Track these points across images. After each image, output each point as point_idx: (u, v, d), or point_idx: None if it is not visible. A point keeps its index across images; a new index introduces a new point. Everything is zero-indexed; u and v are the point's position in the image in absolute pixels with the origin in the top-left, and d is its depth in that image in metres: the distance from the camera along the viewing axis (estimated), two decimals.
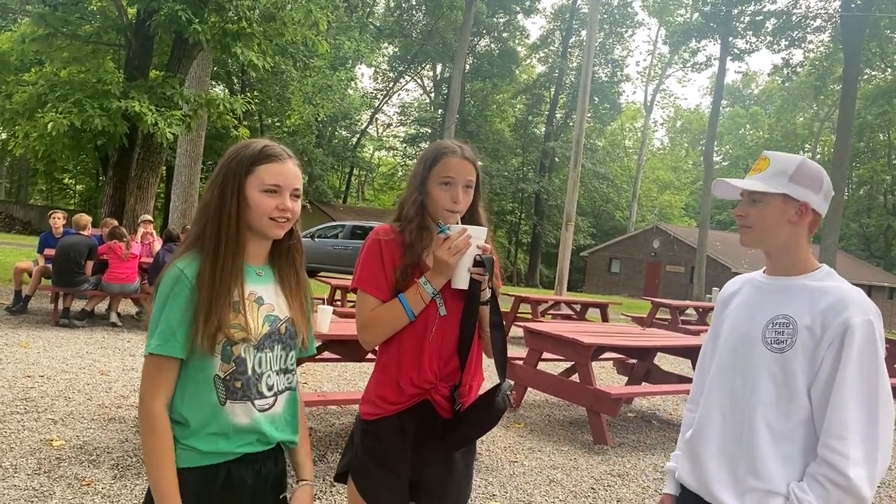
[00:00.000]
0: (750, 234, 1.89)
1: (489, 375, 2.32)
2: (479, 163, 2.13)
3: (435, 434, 2.05)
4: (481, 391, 2.13)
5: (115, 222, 10.20)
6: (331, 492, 4.16)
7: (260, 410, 1.71)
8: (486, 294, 2.07)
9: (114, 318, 9.37)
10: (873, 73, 38.57)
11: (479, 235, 2.02)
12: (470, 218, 2.12)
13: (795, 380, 1.76)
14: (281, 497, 1.81)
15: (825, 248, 29.30)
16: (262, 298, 1.74)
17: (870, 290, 40.85)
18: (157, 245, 10.59)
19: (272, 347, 1.73)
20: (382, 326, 2.03)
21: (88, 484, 3.91)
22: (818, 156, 52.76)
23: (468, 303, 2.04)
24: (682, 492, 2.01)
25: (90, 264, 9.06)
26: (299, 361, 1.89)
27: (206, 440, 1.65)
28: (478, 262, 2.01)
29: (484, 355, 2.19)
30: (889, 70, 38.65)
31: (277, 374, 1.75)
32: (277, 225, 1.71)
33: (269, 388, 1.73)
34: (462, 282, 2.02)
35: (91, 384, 6.13)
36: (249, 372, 1.68)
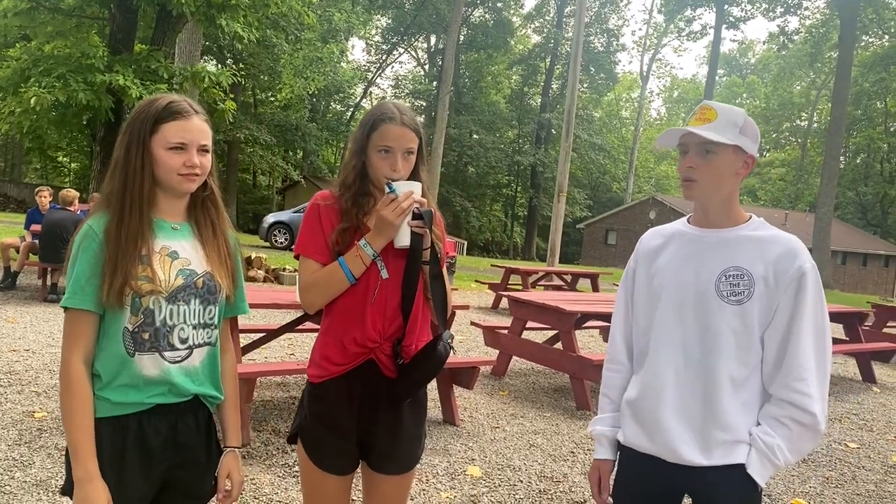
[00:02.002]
0: (697, 187, 1.85)
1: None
2: (421, 128, 2.08)
3: (380, 393, 2.04)
4: None
5: None
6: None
7: (171, 362, 1.72)
8: (428, 253, 2.05)
9: None
10: (870, 39, 38.35)
11: (413, 190, 1.98)
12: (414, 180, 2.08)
13: (753, 329, 1.78)
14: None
15: (820, 216, 29.29)
16: (177, 252, 1.75)
17: (865, 258, 40.97)
18: None
19: (188, 301, 1.74)
20: (323, 289, 2.00)
21: None
22: (815, 124, 52.57)
23: (410, 259, 2.02)
24: (626, 455, 1.97)
25: None
26: (246, 331, 1.89)
27: (117, 391, 1.67)
28: (416, 216, 1.97)
29: (431, 318, 2.16)
30: (886, 37, 38.37)
31: (195, 328, 1.76)
32: (187, 180, 1.72)
33: (183, 341, 1.74)
34: (404, 239, 1.98)
35: None
36: (158, 324, 1.69)
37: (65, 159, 42.14)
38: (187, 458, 1.78)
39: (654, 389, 1.88)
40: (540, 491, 4.06)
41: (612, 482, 2.04)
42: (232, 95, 15.06)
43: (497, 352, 6.82)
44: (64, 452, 3.82)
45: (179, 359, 1.74)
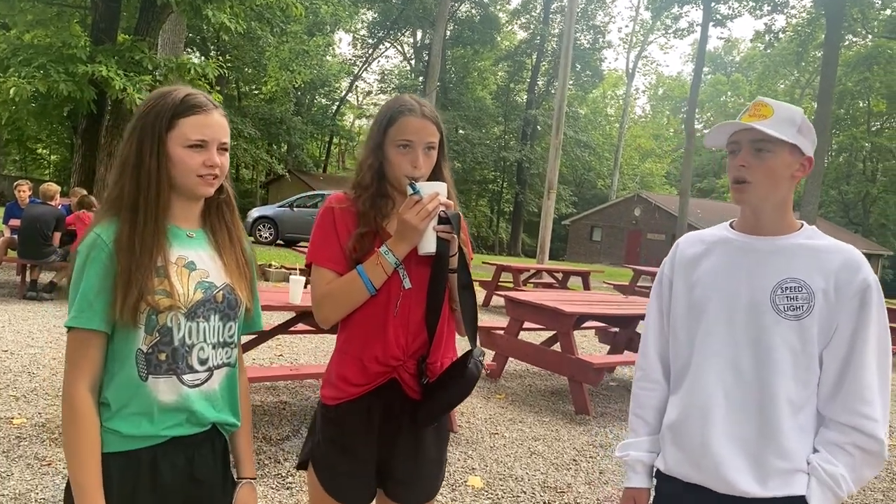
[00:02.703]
0: (750, 189, 1.67)
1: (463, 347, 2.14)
2: (442, 121, 1.90)
3: (402, 416, 1.85)
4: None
5: (84, 191, 9.89)
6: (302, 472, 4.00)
7: (190, 386, 1.53)
8: (455, 260, 1.86)
9: None
10: (854, 39, 38.51)
11: (440, 191, 1.81)
12: (436, 179, 1.90)
13: (812, 346, 1.62)
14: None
15: (805, 214, 29.42)
16: (195, 263, 1.56)
17: None
18: None
19: (207, 317, 1.55)
20: (340, 302, 1.81)
21: (49, 464, 3.73)
22: None
23: (436, 267, 1.83)
24: (666, 485, 1.79)
25: (58, 235, 8.79)
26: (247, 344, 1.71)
27: (128, 421, 1.48)
28: (443, 220, 1.79)
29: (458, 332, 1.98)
30: (870, 36, 38.58)
31: (214, 347, 1.57)
32: (206, 182, 1.54)
33: (202, 363, 1.55)
34: (429, 245, 1.80)
35: (57, 359, 5.92)
36: (177, 343, 1.50)
37: (44, 151, 41.45)
38: (203, 494, 1.59)
39: (700, 410, 1.70)
40: (545, 503, 3.90)
41: None
42: (218, 88, 14.77)
43: (492, 353, 6.66)
44: (45, 463, 3.63)
45: (199, 382, 1.55)
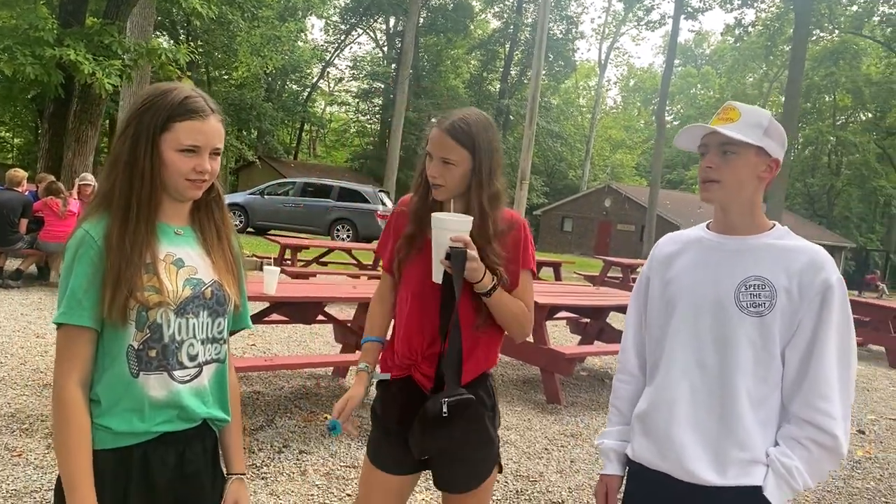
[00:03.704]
0: (717, 189, 1.74)
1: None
2: (477, 139, 1.95)
3: (419, 406, 1.96)
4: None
5: (52, 177, 9.72)
6: (277, 459, 4.03)
7: (181, 382, 1.55)
8: (484, 286, 1.93)
9: (54, 277, 9.00)
10: (822, 34, 39.12)
11: (455, 227, 1.88)
12: (464, 202, 1.98)
13: (773, 343, 1.68)
14: None
15: (772, 206, 29.87)
16: (182, 261, 1.57)
17: None
18: None
19: (196, 314, 1.57)
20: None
21: (20, 454, 3.70)
22: None
23: (444, 293, 1.93)
24: (635, 471, 1.86)
25: (24, 222, 8.65)
26: (232, 334, 1.73)
27: (119, 418, 1.49)
28: (447, 255, 1.88)
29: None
30: (836, 32, 39.21)
31: (203, 343, 1.59)
32: (194, 186, 1.55)
33: (192, 359, 1.57)
34: (435, 275, 1.94)
35: (25, 348, 5.85)
36: (167, 339, 1.52)
37: (7, 134, 40.56)
38: (193, 489, 1.60)
39: (666, 403, 1.77)
40: (517, 491, 3.97)
41: (619, 499, 1.93)
42: (189, 73, 14.57)
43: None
44: (16, 454, 3.60)
45: (189, 378, 1.56)
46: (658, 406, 1.79)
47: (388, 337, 2.15)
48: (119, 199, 1.49)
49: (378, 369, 2.11)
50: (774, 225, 1.79)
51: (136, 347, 1.49)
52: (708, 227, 1.86)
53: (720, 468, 1.69)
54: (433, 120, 1.99)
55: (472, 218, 1.92)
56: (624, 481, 1.93)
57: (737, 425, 1.68)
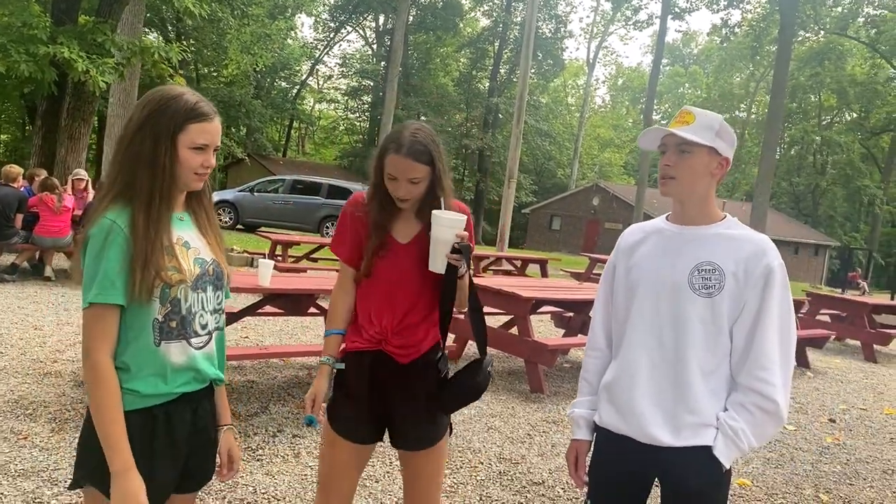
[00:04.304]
0: (674, 184, 1.97)
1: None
2: (433, 151, 2.19)
3: (390, 374, 2.24)
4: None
5: (45, 172, 9.85)
6: (272, 442, 4.22)
7: (196, 348, 1.78)
8: (465, 280, 2.25)
9: (48, 272, 9.13)
10: (807, 35, 39.55)
11: (456, 225, 2.13)
12: (435, 193, 2.23)
13: (722, 320, 1.90)
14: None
15: (757, 205, 30.15)
16: (189, 243, 1.80)
17: (797, 247, 42.50)
18: (90, 198, 10.27)
19: (205, 288, 1.80)
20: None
21: (25, 437, 3.88)
22: (753, 115, 54.09)
23: (446, 286, 2.21)
24: (602, 436, 2.09)
25: (20, 217, 8.78)
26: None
27: (145, 381, 1.70)
28: (455, 249, 2.13)
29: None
30: (822, 32, 39.65)
31: (211, 313, 1.83)
32: (199, 178, 1.79)
33: (203, 327, 1.80)
34: (438, 267, 2.16)
35: (24, 339, 6.01)
36: (184, 312, 1.74)
37: None
38: (204, 440, 1.85)
39: (628, 374, 1.99)
40: (500, 472, 4.18)
41: (588, 462, 2.15)
42: (182, 72, 14.68)
43: (452, 336, 6.91)
44: (22, 437, 3.77)
45: (202, 344, 1.80)
46: (621, 377, 2.02)
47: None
48: (142, 191, 1.70)
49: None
50: (725, 216, 2.01)
51: (160, 320, 1.71)
52: (667, 218, 2.09)
53: (675, 431, 1.92)
54: (390, 144, 2.16)
55: (465, 217, 2.19)
56: (592, 445, 2.15)
57: (689, 393, 1.91)
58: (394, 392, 2.24)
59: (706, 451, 1.90)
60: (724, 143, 1.96)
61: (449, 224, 2.12)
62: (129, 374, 1.69)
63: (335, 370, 2.24)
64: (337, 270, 2.44)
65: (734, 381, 1.95)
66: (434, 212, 2.14)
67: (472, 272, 2.29)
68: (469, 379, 2.23)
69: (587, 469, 2.14)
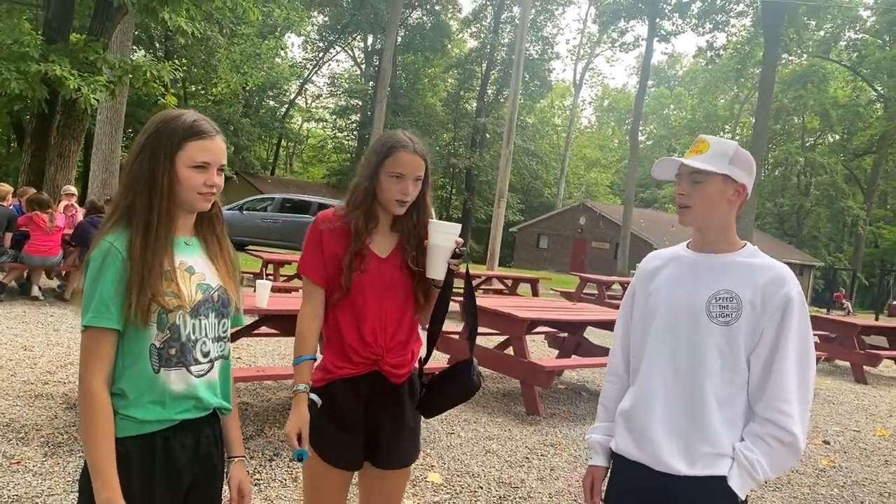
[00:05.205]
0: (690, 213, 1.97)
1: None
2: (429, 155, 2.25)
3: (386, 395, 2.21)
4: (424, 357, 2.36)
5: (34, 190, 9.76)
6: (269, 466, 4.17)
7: (197, 376, 1.75)
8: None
9: (35, 291, 9.02)
10: (790, 58, 40.14)
11: (454, 231, 2.19)
12: (418, 205, 2.26)
13: (739, 349, 1.89)
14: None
15: (742, 226, 30.41)
16: (193, 268, 1.77)
17: None
18: (80, 216, 10.20)
19: (207, 315, 1.77)
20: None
21: (18, 462, 3.81)
22: (737, 137, 54.61)
23: (443, 292, 2.23)
24: (618, 462, 2.08)
25: (9, 236, 8.69)
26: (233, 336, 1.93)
27: (143, 409, 1.67)
28: (456, 255, 2.17)
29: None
30: (805, 56, 40.24)
31: (213, 341, 1.79)
32: (204, 199, 1.76)
33: (205, 355, 1.77)
34: (439, 273, 2.19)
35: (14, 360, 5.92)
36: (184, 339, 1.71)
37: None
38: (207, 469, 1.81)
39: (644, 401, 1.98)
40: (500, 497, 4.15)
41: (604, 488, 2.14)
42: (172, 91, 14.67)
43: (447, 356, 6.89)
44: (15, 461, 3.70)
45: (203, 372, 1.77)
46: (637, 404, 2.01)
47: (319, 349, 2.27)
48: (140, 213, 1.68)
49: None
50: (745, 244, 2.00)
51: (157, 346, 1.68)
52: (688, 245, 2.09)
53: (690, 460, 1.90)
54: (397, 143, 2.17)
55: (460, 225, 2.26)
56: (608, 472, 2.14)
57: (704, 422, 1.90)
58: (385, 413, 2.22)
59: (721, 481, 1.88)
60: (739, 169, 1.95)
61: (448, 230, 2.18)
62: (127, 400, 1.67)
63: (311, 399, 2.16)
64: None
65: (751, 410, 1.93)
66: (431, 221, 2.21)
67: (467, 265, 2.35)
68: (458, 385, 2.27)
69: (602, 496, 2.12)
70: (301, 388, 2.15)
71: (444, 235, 2.17)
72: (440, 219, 2.27)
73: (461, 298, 2.41)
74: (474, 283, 12.88)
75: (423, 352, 2.34)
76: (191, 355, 1.72)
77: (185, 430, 1.73)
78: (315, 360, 2.22)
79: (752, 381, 1.91)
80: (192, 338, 1.72)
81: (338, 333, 2.21)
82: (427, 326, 2.33)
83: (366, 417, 2.20)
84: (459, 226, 2.24)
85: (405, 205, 2.18)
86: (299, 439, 2.11)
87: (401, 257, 2.22)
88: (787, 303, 1.87)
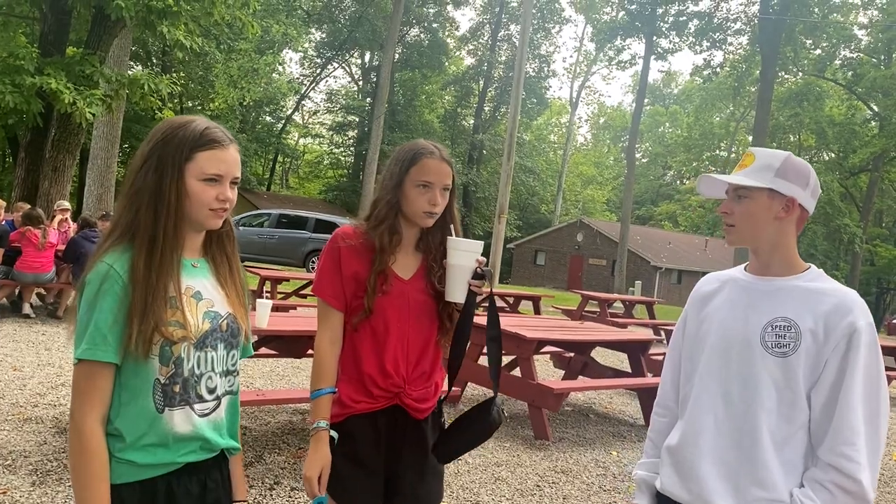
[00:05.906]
0: (734, 232, 1.80)
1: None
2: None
3: (407, 431, 2.03)
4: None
5: (28, 206, 9.57)
6: (269, 495, 3.96)
7: (200, 415, 1.55)
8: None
9: (27, 309, 8.80)
10: (787, 76, 40.26)
11: (475, 249, 2.00)
12: (445, 219, 2.07)
13: (798, 384, 1.69)
14: None
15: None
16: (200, 293, 1.57)
17: None
18: (73, 233, 10.01)
19: (215, 346, 1.57)
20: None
21: (4, 492, 3.60)
22: (733, 155, 54.77)
23: (464, 315, 2.03)
24: (662, 502, 1.88)
25: (0, 252, 8.48)
26: None
27: (143, 452, 1.47)
28: (478, 275, 1.98)
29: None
30: (801, 74, 40.40)
31: (221, 375, 1.59)
32: (216, 215, 1.55)
33: (211, 392, 1.57)
34: (459, 296, 1.99)
35: (3, 381, 5.70)
36: (186, 373, 1.51)
37: None
38: None
39: (692, 438, 1.80)
40: None
41: None
42: (169, 105, 14.54)
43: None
44: (1, 492, 3.49)
45: (208, 411, 1.56)
46: (685, 440, 1.82)
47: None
48: (144, 230, 1.48)
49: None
50: (810, 267, 1.80)
51: (162, 382, 1.48)
52: (746, 268, 1.90)
53: None
54: (423, 150, 2.00)
55: (481, 243, 2.04)
56: None
57: (758, 464, 1.70)
58: (406, 450, 2.02)
59: None
60: (788, 182, 1.75)
61: (468, 248, 1.98)
62: (124, 442, 1.46)
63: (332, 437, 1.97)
64: None
65: (813, 454, 1.72)
66: (449, 238, 2.00)
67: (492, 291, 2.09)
68: (479, 420, 2.04)
69: None
70: (322, 424, 1.95)
71: (464, 254, 1.98)
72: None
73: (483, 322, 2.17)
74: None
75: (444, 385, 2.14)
76: (194, 392, 1.52)
77: (189, 473, 1.53)
78: (335, 392, 2.01)
79: (814, 420, 1.70)
80: (196, 372, 1.52)
81: (355, 362, 2.01)
82: (447, 357, 2.12)
83: (386, 457, 2.00)
84: (481, 243, 2.03)
85: (434, 216, 1.99)
86: (319, 481, 1.91)
87: (425, 279, 2.04)
88: (852, 333, 1.65)
